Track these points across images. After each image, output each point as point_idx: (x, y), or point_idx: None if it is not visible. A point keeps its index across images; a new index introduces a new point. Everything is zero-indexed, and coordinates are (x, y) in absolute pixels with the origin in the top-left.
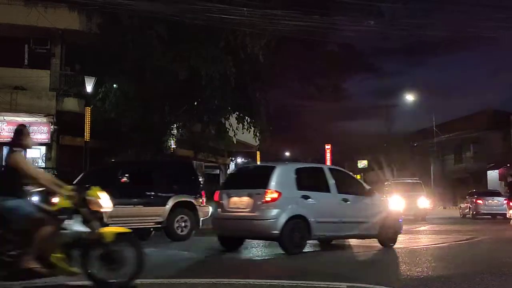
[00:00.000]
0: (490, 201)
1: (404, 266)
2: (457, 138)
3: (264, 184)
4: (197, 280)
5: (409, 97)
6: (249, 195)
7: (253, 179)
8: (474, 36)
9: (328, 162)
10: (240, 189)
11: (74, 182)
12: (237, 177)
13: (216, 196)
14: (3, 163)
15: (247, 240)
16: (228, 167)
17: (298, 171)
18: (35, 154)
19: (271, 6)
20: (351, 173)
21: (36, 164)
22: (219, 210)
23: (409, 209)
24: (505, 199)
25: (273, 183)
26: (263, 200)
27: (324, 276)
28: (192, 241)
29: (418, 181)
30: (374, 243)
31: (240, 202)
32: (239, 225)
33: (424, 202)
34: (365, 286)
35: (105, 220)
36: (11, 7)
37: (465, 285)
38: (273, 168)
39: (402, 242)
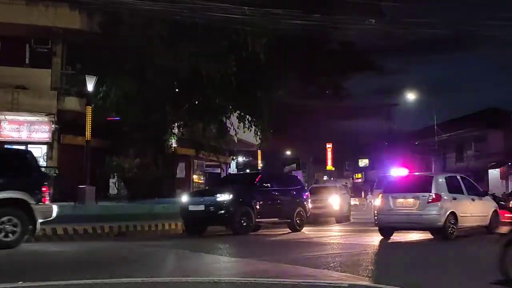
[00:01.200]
0: None
1: (404, 264)
2: (458, 137)
3: (427, 189)
4: (198, 279)
5: (411, 96)
6: (414, 198)
7: (415, 186)
8: (476, 35)
9: (329, 161)
10: (403, 193)
11: None
12: (397, 183)
13: (380, 198)
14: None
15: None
16: (229, 166)
17: (446, 179)
18: (36, 153)
19: (273, 5)
20: (470, 179)
21: None
22: (384, 208)
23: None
24: None
25: (434, 188)
26: (429, 201)
27: (321, 275)
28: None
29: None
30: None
31: (406, 203)
32: (406, 219)
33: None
34: (367, 285)
35: None
36: (12, 6)
37: (468, 283)
38: (431, 177)
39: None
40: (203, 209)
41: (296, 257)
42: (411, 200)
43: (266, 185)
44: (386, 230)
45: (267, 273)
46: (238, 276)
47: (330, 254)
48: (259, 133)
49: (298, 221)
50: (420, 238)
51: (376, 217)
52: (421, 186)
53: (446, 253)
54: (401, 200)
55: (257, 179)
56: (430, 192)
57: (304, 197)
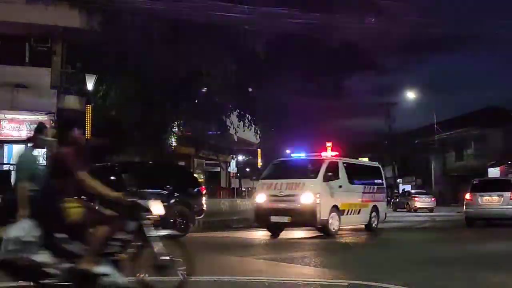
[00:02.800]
0: (423, 198)
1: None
2: (458, 136)
3: (509, 189)
4: (198, 278)
5: (410, 95)
6: (499, 196)
7: (497, 186)
8: (476, 33)
9: None
10: (489, 191)
11: None
12: (480, 185)
13: (468, 197)
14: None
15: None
16: (229, 165)
17: None
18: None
19: (273, 4)
20: None
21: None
22: (473, 204)
23: None
24: (433, 197)
25: None
26: (511, 198)
27: (320, 273)
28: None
29: None
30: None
31: (491, 199)
32: (492, 212)
33: None
34: (366, 284)
35: None
36: (12, 5)
37: (467, 281)
38: (510, 180)
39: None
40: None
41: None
42: (496, 198)
43: (114, 179)
44: (473, 221)
45: (266, 272)
46: (238, 275)
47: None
48: (259, 132)
49: (181, 223)
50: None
51: (465, 211)
52: (502, 186)
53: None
54: (487, 197)
55: (106, 172)
56: (511, 191)
57: (194, 193)
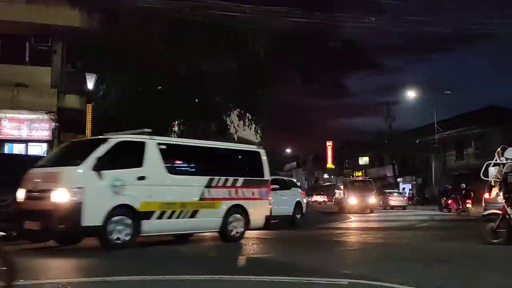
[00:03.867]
0: (396, 197)
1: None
2: (458, 135)
3: None
4: (199, 277)
5: (411, 94)
6: None
7: None
8: (477, 33)
9: (330, 159)
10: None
11: None
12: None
13: (487, 196)
14: None
15: None
16: None
17: None
18: (36, 151)
19: (273, 3)
20: None
21: None
22: (494, 201)
23: None
24: (404, 197)
25: None
26: None
27: (321, 273)
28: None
29: None
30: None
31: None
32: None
33: None
34: (366, 283)
35: None
36: (12, 4)
37: (468, 281)
38: None
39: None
40: None
41: (289, 255)
42: None
43: None
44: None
45: (265, 271)
46: (239, 274)
47: (320, 252)
48: (259, 131)
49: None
50: None
51: (484, 209)
52: None
53: None
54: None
55: None
56: None
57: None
